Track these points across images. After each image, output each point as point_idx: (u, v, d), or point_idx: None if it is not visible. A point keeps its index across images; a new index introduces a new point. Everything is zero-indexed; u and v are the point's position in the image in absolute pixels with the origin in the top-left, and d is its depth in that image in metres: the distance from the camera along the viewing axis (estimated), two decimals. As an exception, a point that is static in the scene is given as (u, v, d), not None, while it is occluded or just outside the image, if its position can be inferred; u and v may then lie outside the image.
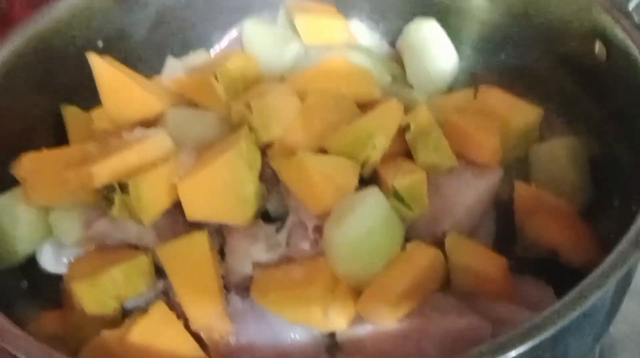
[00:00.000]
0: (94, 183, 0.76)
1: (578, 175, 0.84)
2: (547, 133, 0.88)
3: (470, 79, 0.99)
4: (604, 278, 0.60)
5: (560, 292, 0.74)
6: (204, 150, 0.80)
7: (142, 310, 0.77)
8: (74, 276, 0.77)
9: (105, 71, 0.84)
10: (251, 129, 0.79)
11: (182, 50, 1.00)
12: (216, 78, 0.83)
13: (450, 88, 0.98)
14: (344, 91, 0.83)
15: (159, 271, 0.78)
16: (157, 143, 0.78)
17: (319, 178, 0.74)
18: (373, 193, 0.73)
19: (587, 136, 0.86)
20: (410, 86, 0.96)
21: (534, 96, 0.88)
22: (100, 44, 0.94)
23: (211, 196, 0.75)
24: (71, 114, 0.91)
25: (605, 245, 0.75)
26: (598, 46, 0.82)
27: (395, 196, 0.75)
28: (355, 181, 0.76)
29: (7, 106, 0.86)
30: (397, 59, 0.99)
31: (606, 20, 0.80)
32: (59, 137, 0.91)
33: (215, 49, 1.01)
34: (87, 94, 0.89)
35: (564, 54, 0.88)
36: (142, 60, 0.95)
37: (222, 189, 0.75)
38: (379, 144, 0.77)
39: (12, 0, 1.04)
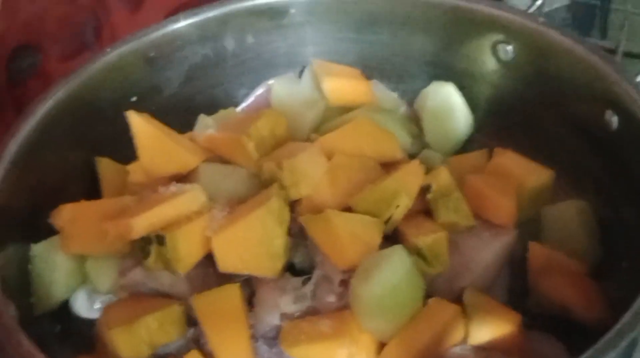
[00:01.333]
0: (132, 235, 0.80)
1: (588, 236, 0.88)
2: (558, 195, 0.91)
3: (483, 140, 1.03)
4: (618, 339, 0.64)
5: (570, 349, 0.79)
6: (235, 205, 0.84)
7: (173, 356, 0.81)
8: (109, 323, 0.80)
9: (142, 127, 0.88)
10: (281, 186, 0.83)
11: (210, 106, 1.04)
12: (248, 137, 0.87)
13: (465, 148, 1.03)
14: (368, 152, 0.88)
15: (190, 320, 0.82)
16: (192, 197, 0.82)
17: (345, 234, 0.79)
18: (398, 251, 0.77)
19: (596, 198, 0.90)
20: (427, 145, 1.01)
21: (544, 158, 0.92)
22: (133, 99, 0.98)
23: (243, 250, 0.79)
24: (105, 166, 0.95)
25: (615, 304, 0.79)
26: (608, 114, 0.86)
27: (417, 253, 0.79)
28: (379, 238, 0.80)
29: (45, 158, 0.89)
30: (414, 119, 1.04)
31: (617, 91, 0.84)
32: (92, 188, 0.95)
33: (243, 106, 1.06)
34: (120, 147, 0.93)
35: (575, 119, 0.92)
36: (173, 115, 0.99)
37: (253, 243, 0.79)
38: (402, 203, 0.81)
39: (47, 55, 1.08)
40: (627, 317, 0.66)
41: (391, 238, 0.83)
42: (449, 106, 1.02)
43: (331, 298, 0.79)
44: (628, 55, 1.19)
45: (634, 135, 0.83)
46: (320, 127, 0.98)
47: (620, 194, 0.87)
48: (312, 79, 1.04)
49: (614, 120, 0.86)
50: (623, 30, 1.19)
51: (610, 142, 0.87)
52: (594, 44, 0.93)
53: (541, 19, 0.96)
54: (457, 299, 0.80)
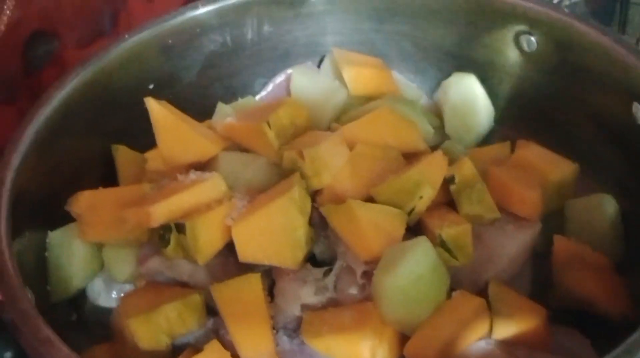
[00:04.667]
0: (152, 223, 0.79)
1: (612, 230, 0.87)
2: (581, 189, 0.90)
3: (505, 132, 1.02)
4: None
5: (594, 344, 0.78)
6: (255, 194, 0.83)
7: (192, 346, 0.80)
8: (127, 312, 0.79)
9: (161, 114, 0.87)
10: (302, 176, 0.82)
11: (228, 95, 1.03)
12: (269, 125, 0.86)
13: (486, 140, 1.02)
14: (390, 142, 0.87)
15: (209, 310, 0.81)
16: (212, 185, 0.81)
17: (368, 225, 0.78)
18: (422, 242, 0.76)
19: (620, 192, 0.89)
20: (448, 137, 1.00)
21: (567, 151, 0.91)
22: (150, 86, 0.97)
23: (263, 239, 0.78)
24: (122, 154, 0.94)
25: (638, 299, 0.78)
26: (635, 107, 0.85)
27: (441, 245, 0.78)
28: (402, 229, 0.79)
29: (62, 145, 0.88)
30: (435, 110, 1.03)
31: (644, 83, 0.83)
32: (109, 176, 0.94)
33: (261, 95, 1.05)
34: (137, 135, 0.93)
35: (599, 112, 0.91)
36: (190, 103, 0.97)
37: (274, 232, 0.78)
38: (426, 194, 0.80)
39: (64, 42, 1.07)
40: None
41: (414, 229, 0.82)
42: (471, 97, 1.00)
43: (353, 290, 0.78)
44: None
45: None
46: (341, 117, 0.97)
47: (644, 188, 0.86)
48: (333, 68, 1.03)
49: (640, 114, 0.84)
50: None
51: (636, 135, 0.86)
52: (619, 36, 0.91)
53: (565, 9, 0.94)
54: (481, 292, 0.79)
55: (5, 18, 0.99)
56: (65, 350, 0.67)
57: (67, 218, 0.87)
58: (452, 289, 0.78)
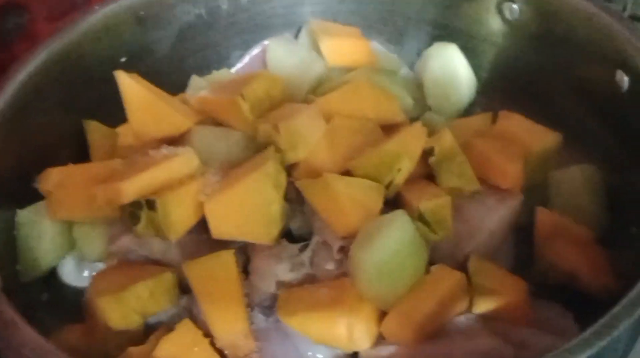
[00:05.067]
0: (122, 199, 0.76)
1: (595, 202, 0.85)
2: (565, 160, 0.88)
3: (487, 103, 1.00)
4: (632, 307, 0.61)
5: (577, 318, 0.77)
6: (229, 169, 0.80)
7: (165, 325, 0.78)
8: (98, 291, 0.77)
9: (132, 88, 0.85)
10: (277, 149, 0.79)
11: (203, 67, 1.01)
12: (243, 98, 0.83)
13: (468, 111, 1.00)
14: (368, 114, 0.85)
15: (182, 288, 0.79)
16: (184, 160, 0.79)
17: (345, 199, 0.75)
18: (400, 216, 0.74)
19: (604, 163, 0.87)
20: (429, 108, 0.97)
21: (551, 122, 0.88)
22: (123, 59, 0.95)
23: (237, 215, 0.76)
24: (94, 129, 0.92)
25: (622, 272, 0.77)
26: (619, 75, 0.83)
27: (420, 219, 0.76)
28: (380, 203, 0.77)
29: (31, 121, 0.86)
30: (415, 81, 1.00)
31: (629, 50, 0.81)
32: (81, 153, 0.91)
33: (237, 67, 1.03)
34: (110, 110, 0.90)
35: (583, 81, 0.89)
36: (164, 76, 0.95)
37: (248, 208, 0.76)
38: (404, 167, 0.78)
39: (34, 15, 1.04)
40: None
41: (392, 203, 0.80)
42: (452, 68, 0.98)
43: (330, 266, 0.76)
44: (634, 18, 1.16)
45: (644, 96, 0.80)
46: (318, 89, 0.94)
47: (629, 158, 0.84)
48: (310, 39, 1.00)
49: (624, 81, 0.82)
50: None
51: (620, 104, 0.84)
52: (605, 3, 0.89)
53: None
54: (461, 266, 0.77)
55: (-29, -9, 0.96)
56: (30, 333, 0.65)
57: (37, 196, 0.84)
58: (431, 263, 0.76)
